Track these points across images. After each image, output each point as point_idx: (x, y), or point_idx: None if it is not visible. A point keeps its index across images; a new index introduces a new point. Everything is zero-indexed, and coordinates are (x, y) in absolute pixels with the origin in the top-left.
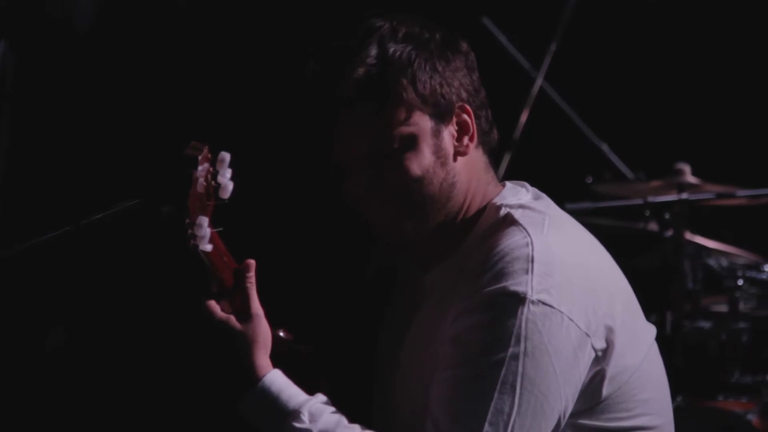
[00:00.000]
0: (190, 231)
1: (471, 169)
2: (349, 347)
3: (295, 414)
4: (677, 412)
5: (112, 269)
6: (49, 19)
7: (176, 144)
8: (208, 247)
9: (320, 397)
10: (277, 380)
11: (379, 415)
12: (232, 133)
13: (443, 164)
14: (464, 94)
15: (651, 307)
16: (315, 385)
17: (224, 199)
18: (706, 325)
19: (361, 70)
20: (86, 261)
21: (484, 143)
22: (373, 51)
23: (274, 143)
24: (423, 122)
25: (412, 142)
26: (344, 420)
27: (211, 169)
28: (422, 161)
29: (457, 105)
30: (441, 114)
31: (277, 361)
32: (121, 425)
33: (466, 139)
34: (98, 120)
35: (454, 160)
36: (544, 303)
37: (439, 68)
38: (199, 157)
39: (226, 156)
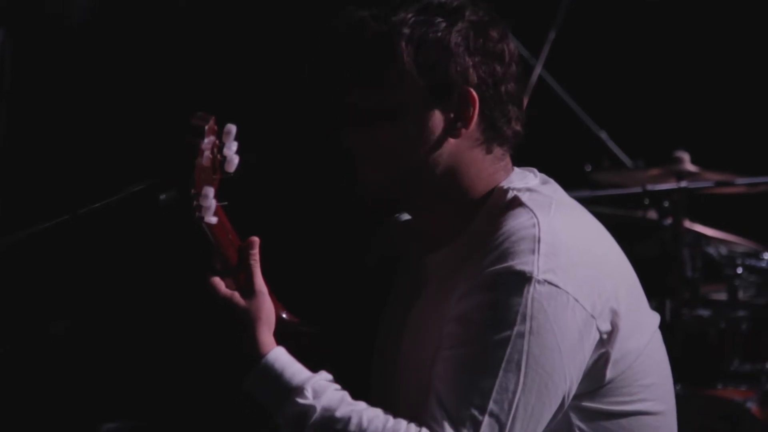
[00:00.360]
0: (195, 202)
1: (468, 157)
2: (353, 329)
3: (298, 390)
4: (677, 400)
5: (115, 255)
6: (47, 8)
7: (181, 119)
8: (213, 220)
9: (324, 374)
10: (280, 357)
11: (380, 397)
12: (239, 110)
13: (426, 141)
14: (474, 79)
15: (650, 296)
16: (319, 367)
17: (230, 173)
18: (705, 313)
19: (373, 26)
20: (88, 248)
21: (494, 137)
22: (398, 14)
23: (280, 124)
24: (415, 93)
25: (399, 110)
26: (348, 396)
27: (217, 141)
28: (404, 131)
29: (459, 87)
30: (438, 91)
31: (281, 343)
32: (128, 407)
33: (459, 124)
34: (99, 106)
35: (443, 139)
36: (550, 282)
37: (452, 45)
38: (206, 128)
39: (233, 128)
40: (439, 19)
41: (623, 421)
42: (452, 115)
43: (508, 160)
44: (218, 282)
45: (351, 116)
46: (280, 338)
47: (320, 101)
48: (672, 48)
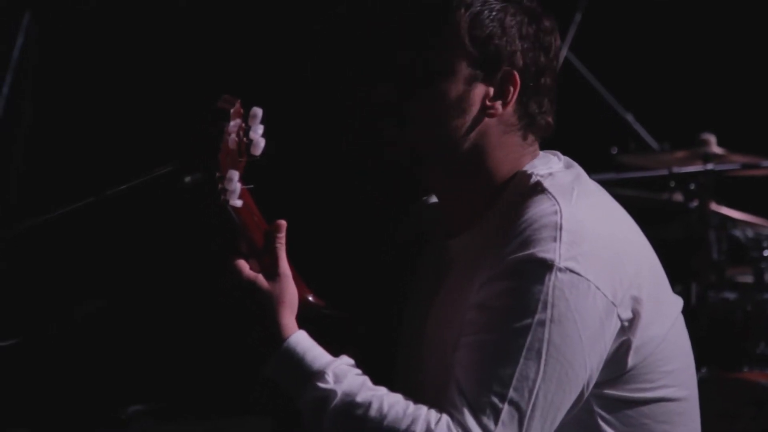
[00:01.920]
0: (220, 185)
1: (498, 138)
2: (378, 312)
3: (320, 374)
4: (702, 383)
5: (140, 237)
6: None
7: (206, 102)
8: (239, 203)
9: (345, 359)
10: (302, 341)
11: (403, 382)
12: (266, 94)
13: (461, 113)
14: (520, 63)
15: (676, 279)
16: (343, 351)
17: (256, 156)
18: (731, 296)
19: None
20: (114, 230)
21: (527, 126)
22: None
23: (307, 106)
24: (463, 63)
25: (442, 76)
26: (369, 382)
27: (243, 124)
28: (442, 98)
29: (505, 66)
30: (485, 66)
31: (306, 326)
32: (151, 390)
33: (498, 104)
34: (125, 89)
35: (479, 117)
36: (571, 270)
37: (507, 25)
38: (231, 111)
39: (259, 111)
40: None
41: (645, 408)
42: (492, 94)
43: (536, 147)
44: (243, 264)
45: (395, 73)
46: (306, 321)
47: (353, 66)
48: (698, 30)
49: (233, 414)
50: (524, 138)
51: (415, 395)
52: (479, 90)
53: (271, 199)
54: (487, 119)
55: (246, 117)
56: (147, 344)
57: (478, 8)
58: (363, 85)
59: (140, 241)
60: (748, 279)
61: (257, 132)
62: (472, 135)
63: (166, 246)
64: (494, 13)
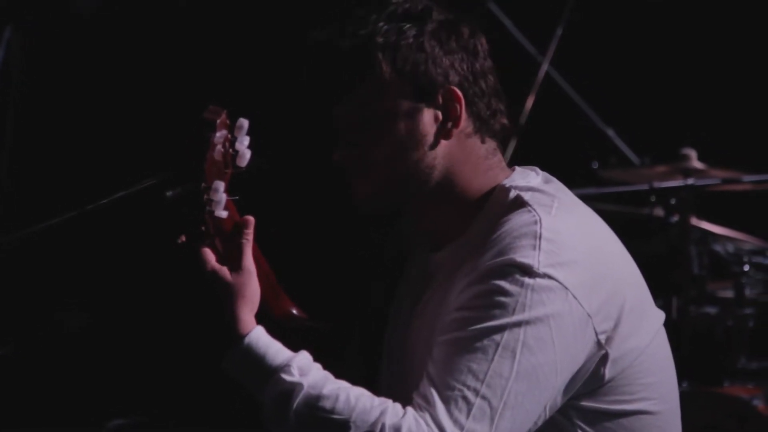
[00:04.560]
0: (206, 196)
1: (461, 155)
2: (360, 325)
3: (284, 368)
4: (683, 397)
5: (123, 250)
6: (53, 4)
7: (192, 113)
8: (223, 214)
9: (306, 354)
10: (262, 336)
11: (387, 392)
12: (250, 106)
13: (418, 145)
14: (455, 78)
15: (657, 293)
16: (326, 362)
17: (242, 168)
18: (712, 310)
19: (347, 43)
20: (97, 243)
21: (484, 131)
22: (367, 26)
23: (291, 118)
24: (399, 101)
25: (385, 120)
26: (332, 376)
27: (229, 135)
28: (394, 139)
29: (442, 87)
30: (421, 94)
31: (289, 339)
32: (134, 403)
33: (449, 124)
34: (108, 101)
35: (436, 142)
36: (550, 276)
37: (428, 48)
38: (218, 122)
39: (245, 122)
40: (409, 25)
41: (624, 421)
42: (440, 117)
43: (500, 156)
44: (208, 253)
45: (338, 133)
46: (290, 333)
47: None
48: (679, 45)
49: (217, 427)
50: (482, 146)
51: (399, 401)
52: (427, 118)
53: (257, 210)
54: (444, 141)
55: (232, 128)
56: (130, 357)
57: (394, 44)
58: (321, 148)
59: (125, 253)
60: (729, 294)
61: (243, 143)
62: (437, 161)
63: (151, 258)
64: (411, 41)
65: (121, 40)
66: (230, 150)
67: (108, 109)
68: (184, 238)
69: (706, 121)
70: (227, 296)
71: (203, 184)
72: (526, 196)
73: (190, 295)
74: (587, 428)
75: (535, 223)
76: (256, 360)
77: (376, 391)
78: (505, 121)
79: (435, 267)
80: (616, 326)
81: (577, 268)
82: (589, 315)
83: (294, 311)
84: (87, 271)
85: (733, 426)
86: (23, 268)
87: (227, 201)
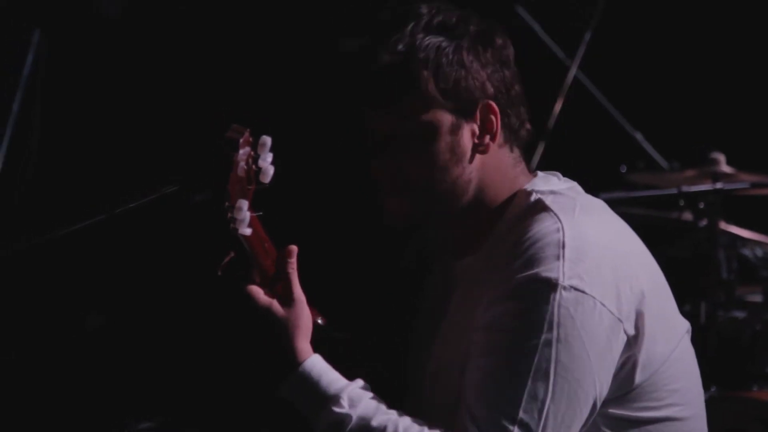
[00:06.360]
0: (229, 214)
1: (493, 166)
2: (384, 335)
3: (335, 399)
4: (710, 402)
5: (149, 255)
6: (81, 9)
7: (216, 128)
8: (248, 231)
9: (359, 383)
10: (317, 365)
11: (413, 403)
12: (273, 118)
13: (458, 161)
14: (491, 90)
15: (685, 297)
16: (350, 372)
17: (265, 184)
18: (740, 315)
19: (387, 57)
20: (124, 246)
21: (513, 140)
22: (404, 39)
23: (313, 129)
24: (442, 117)
25: (427, 136)
26: (383, 406)
27: (252, 153)
28: (436, 157)
29: (481, 102)
30: (462, 110)
31: (316, 349)
32: (162, 406)
33: (487, 138)
34: (134, 106)
35: (473, 157)
36: (576, 288)
37: (467, 62)
38: (240, 141)
39: (268, 140)
40: (447, 38)
41: (651, 427)
42: (477, 131)
43: (524, 162)
44: (257, 290)
45: (378, 149)
46: (315, 344)
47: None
48: (708, 49)
49: (240, 430)
50: (511, 151)
51: (423, 414)
52: (466, 132)
53: (279, 224)
54: (479, 155)
55: (255, 145)
56: (154, 360)
57: (435, 60)
58: (357, 161)
59: (146, 257)
60: (758, 298)
61: (266, 160)
62: (472, 175)
63: (171, 261)
64: (451, 57)
65: (147, 43)
66: (253, 166)
67: (134, 112)
68: (224, 265)
69: (735, 125)
70: (283, 330)
71: (227, 203)
72: (548, 199)
73: (236, 324)
74: None
75: (558, 230)
76: (309, 389)
77: (403, 400)
78: (529, 127)
79: (459, 274)
80: (642, 329)
81: (602, 274)
82: (619, 319)
83: (319, 321)
84: (108, 274)
85: (760, 431)
86: (43, 271)
87: (252, 217)
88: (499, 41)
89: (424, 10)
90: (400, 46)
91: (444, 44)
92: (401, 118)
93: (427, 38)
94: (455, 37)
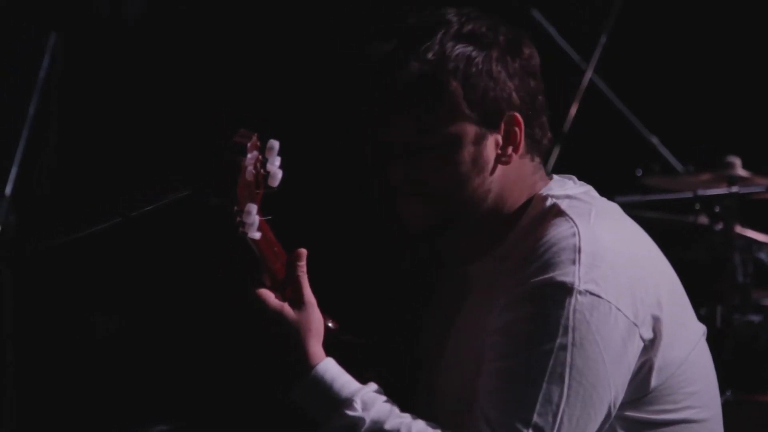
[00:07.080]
0: (238, 218)
1: (513, 176)
2: (395, 338)
3: (348, 402)
4: (727, 406)
5: (162, 259)
6: (98, 12)
7: (225, 133)
8: (257, 235)
9: (373, 386)
10: (330, 368)
11: (423, 406)
12: (281, 122)
13: (480, 172)
14: (517, 101)
15: (701, 301)
16: (361, 375)
17: (273, 188)
18: (756, 318)
19: (416, 65)
20: (137, 250)
21: (534, 150)
22: (434, 47)
23: (322, 132)
24: (466, 127)
25: (451, 146)
26: (396, 409)
27: (260, 157)
28: (458, 167)
29: (506, 113)
30: (488, 121)
31: (327, 352)
32: (174, 410)
33: (510, 149)
34: (146, 111)
35: (495, 168)
36: (591, 293)
37: (495, 73)
38: (248, 145)
39: (275, 144)
40: (477, 48)
41: (667, 430)
42: (500, 142)
43: (542, 171)
44: (268, 294)
45: (398, 155)
46: (327, 348)
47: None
48: (723, 53)
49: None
50: (532, 160)
51: (435, 417)
52: (489, 143)
53: (288, 227)
54: (500, 166)
55: (263, 149)
56: (166, 363)
57: (465, 70)
58: (376, 165)
59: (158, 261)
60: None
61: (274, 164)
62: (493, 186)
63: (182, 266)
64: (480, 67)
65: (161, 46)
66: (261, 170)
67: (151, 116)
68: (228, 268)
69: (750, 128)
70: (295, 334)
71: (236, 207)
72: (563, 204)
73: (246, 328)
74: None
75: (574, 235)
76: (321, 392)
77: (413, 403)
78: (550, 136)
79: (472, 279)
80: (659, 333)
81: (618, 279)
82: (635, 324)
83: (330, 324)
84: (121, 278)
85: None
86: (61, 273)
87: (261, 221)
88: (527, 51)
89: (454, 17)
90: (429, 55)
91: (474, 54)
92: (426, 127)
93: (457, 47)
94: (485, 46)
